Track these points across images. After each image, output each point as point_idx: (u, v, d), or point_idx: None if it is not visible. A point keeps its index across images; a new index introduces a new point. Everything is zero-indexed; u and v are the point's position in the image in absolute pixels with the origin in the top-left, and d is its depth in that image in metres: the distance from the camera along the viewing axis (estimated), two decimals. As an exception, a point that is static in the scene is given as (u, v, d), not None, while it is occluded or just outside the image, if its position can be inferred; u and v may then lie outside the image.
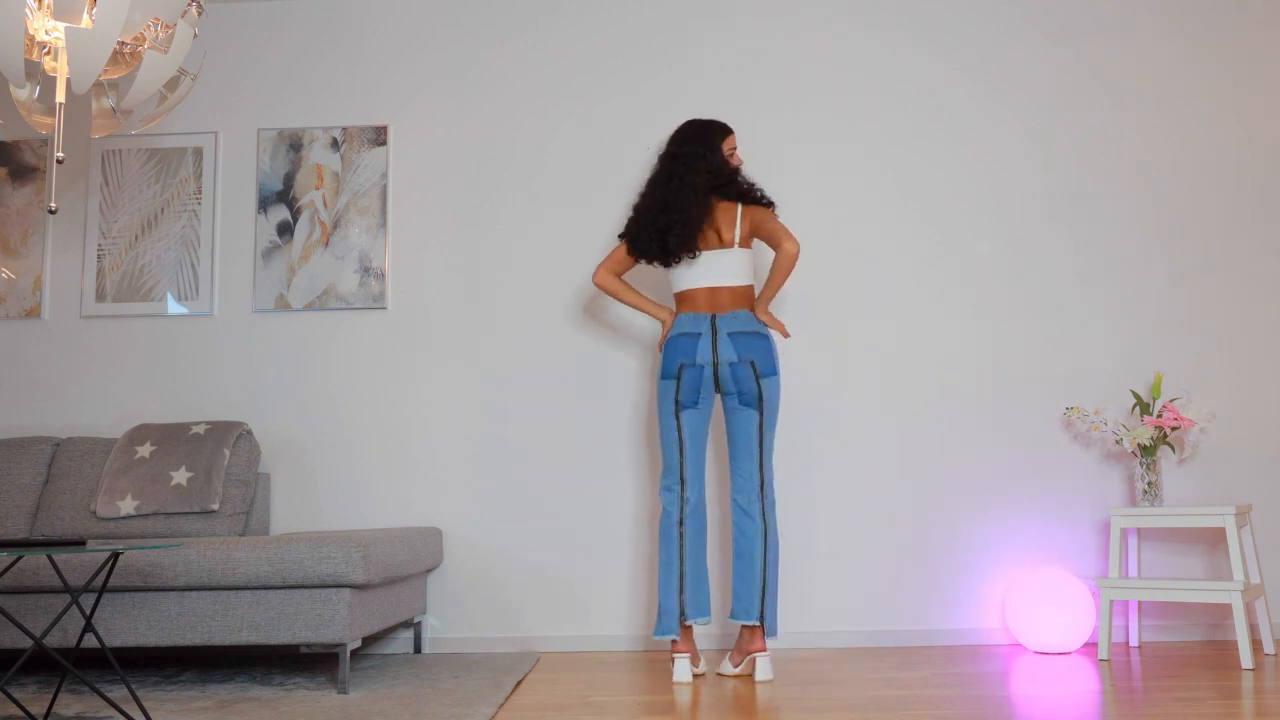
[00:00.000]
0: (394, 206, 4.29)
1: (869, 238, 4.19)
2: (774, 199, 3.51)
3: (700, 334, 3.34)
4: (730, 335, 3.34)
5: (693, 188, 3.36)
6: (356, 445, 4.19)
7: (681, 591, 3.31)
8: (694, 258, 3.38)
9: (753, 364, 3.32)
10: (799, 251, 3.32)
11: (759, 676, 3.29)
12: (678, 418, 3.39)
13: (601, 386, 4.16)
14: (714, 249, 3.39)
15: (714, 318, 3.35)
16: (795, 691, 3.09)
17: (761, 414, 3.36)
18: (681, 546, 3.35)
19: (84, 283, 4.29)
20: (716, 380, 3.36)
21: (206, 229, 4.30)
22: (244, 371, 4.24)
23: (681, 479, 3.40)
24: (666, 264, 3.41)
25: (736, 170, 3.47)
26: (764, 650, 3.30)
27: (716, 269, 3.38)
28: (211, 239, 4.30)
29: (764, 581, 3.29)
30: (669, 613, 3.30)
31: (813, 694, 3.05)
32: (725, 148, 3.47)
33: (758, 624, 3.29)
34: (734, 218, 3.39)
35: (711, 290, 3.38)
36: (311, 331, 4.25)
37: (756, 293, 3.57)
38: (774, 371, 3.36)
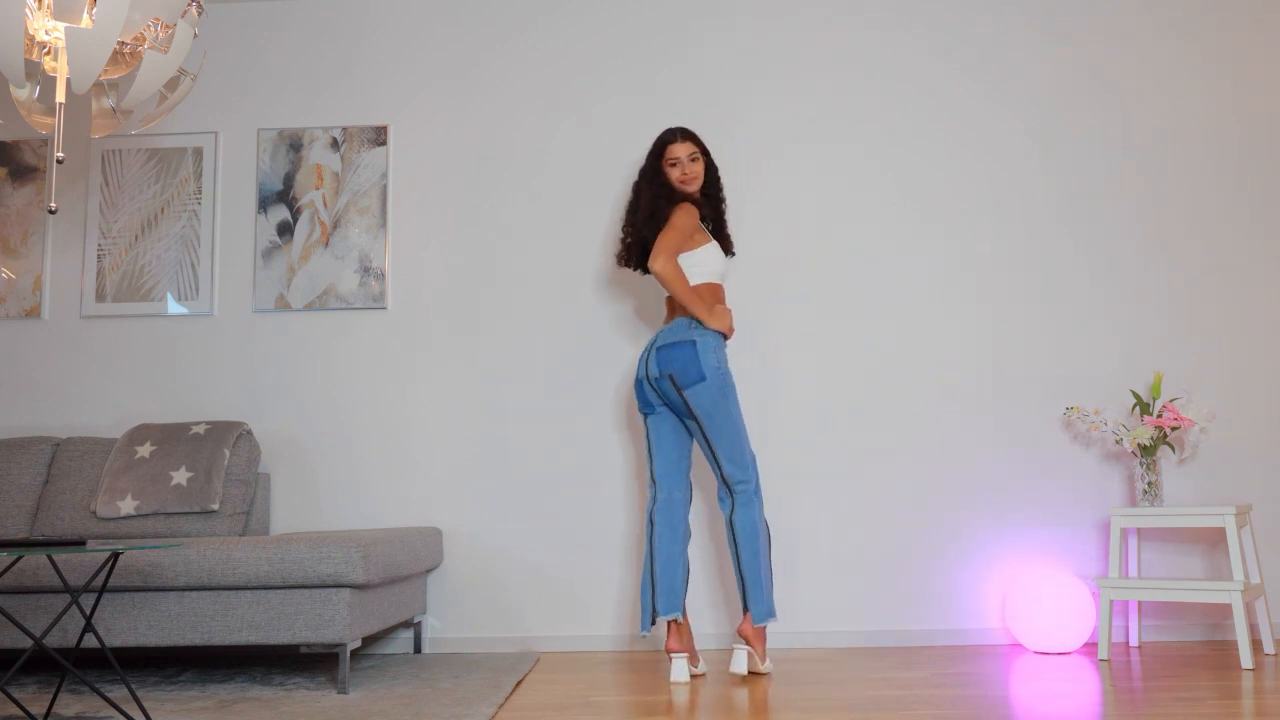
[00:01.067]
0: (394, 206, 4.29)
1: (869, 238, 4.19)
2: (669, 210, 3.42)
3: (646, 349, 3.45)
4: (657, 350, 3.39)
5: (633, 209, 3.54)
6: (356, 445, 4.19)
7: (653, 588, 3.34)
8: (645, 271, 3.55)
9: (672, 378, 3.33)
10: (659, 269, 3.29)
11: (730, 667, 3.32)
12: (645, 423, 3.51)
13: (602, 387, 4.16)
14: None
15: (659, 331, 3.44)
16: (795, 691, 3.09)
17: (698, 421, 3.35)
18: (651, 543, 3.38)
19: (84, 283, 4.29)
20: (657, 392, 3.40)
21: (206, 229, 4.30)
22: (244, 371, 4.24)
23: (653, 479, 3.47)
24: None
25: (654, 189, 3.46)
26: (744, 643, 3.30)
27: None
28: (211, 239, 4.30)
29: (740, 571, 3.33)
30: (643, 608, 3.36)
31: (813, 694, 3.05)
32: (667, 160, 3.49)
33: (744, 611, 3.34)
34: None
35: (670, 298, 3.52)
36: (311, 331, 4.25)
37: (722, 290, 3.53)
38: (699, 378, 3.30)
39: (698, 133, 3.66)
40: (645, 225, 3.46)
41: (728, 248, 3.64)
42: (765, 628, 3.38)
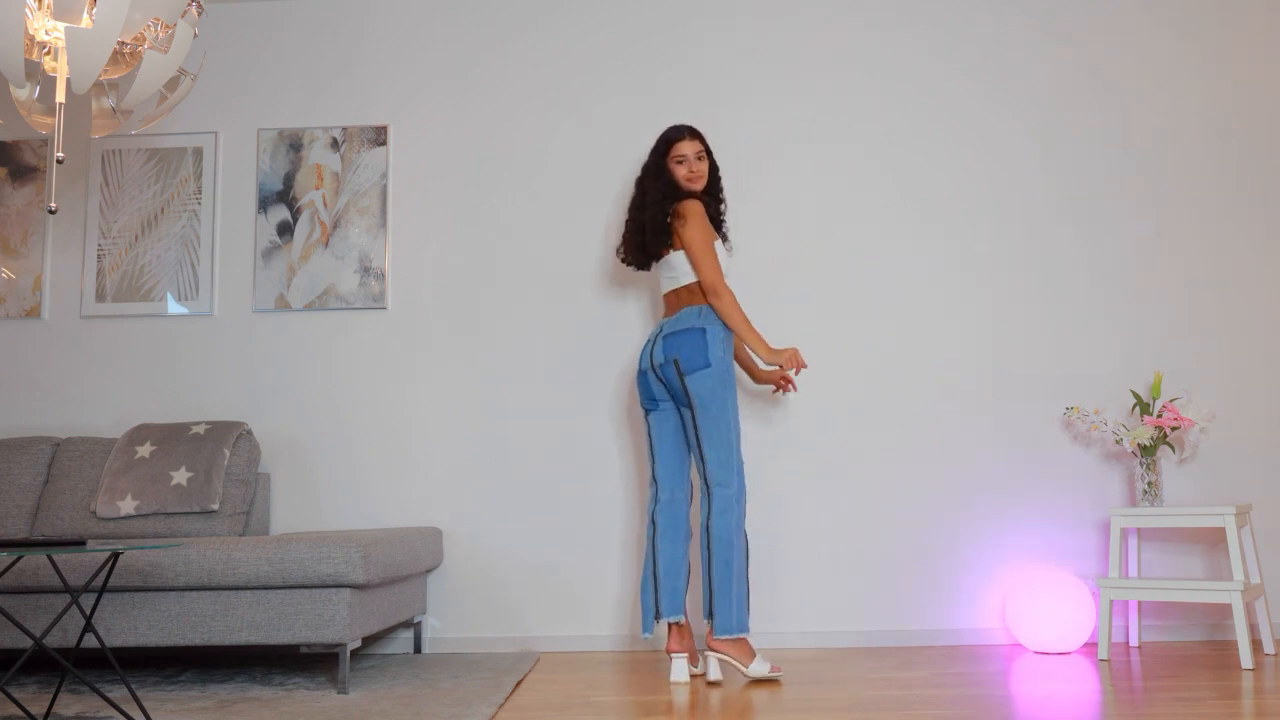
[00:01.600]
0: (394, 206, 4.29)
1: (869, 238, 4.19)
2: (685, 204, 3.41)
3: (649, 340, 3.44)
4: (664, 337, 3.37)
5: (637, 205, 3.51)
6: (356, 445, 4.19)
7: (656, 589, 3.31)
8: (654, 263, 3.51)
9: (676, 362, 3.31)
10: (723, 308, 3.29)
11: (709, 675, 3.28)
12: (647, 420, 3.48)
13: (602, 386, 4.16)
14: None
15: (664, 322, 3.42)
16: (795, 691, 3.09)
17: (693, 410, 3.31)
18: (654, 544, 3.36)
19: (84, 283, 4.29)
20: (661, 380, 3.38)
21: (206, 229, 4.30)
22: (244, 371, 4.24)
23: (654, 479, 3.44)
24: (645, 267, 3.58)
25: (660, 187, 3.44)
26: (713, 649, 3.26)
27: (665, 272, 3.49)
28: (211, 239, 4.30)
29: (709, 578, 3.25)
30: (645, 610, 3.33)
31: (813, 694, 3.05)
32: (673, 157, 3.46)
33: (706, 620, 3.28)
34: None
35: (672, 293, 3.47)
36: (311, 331, 4.26)
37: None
38: (704, 364, 3.27)
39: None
40: (650, 223, 3.43)
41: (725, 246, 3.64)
42: (745, 636, 3.28)
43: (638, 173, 3.59)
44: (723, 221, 3.65)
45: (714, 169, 3.58)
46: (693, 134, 3.50)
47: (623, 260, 3.57)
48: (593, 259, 4.23)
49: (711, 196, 3.58)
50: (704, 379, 3.28)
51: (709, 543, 3.27)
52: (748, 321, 3.32)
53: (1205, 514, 3.52)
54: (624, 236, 3.55)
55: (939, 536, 4.03)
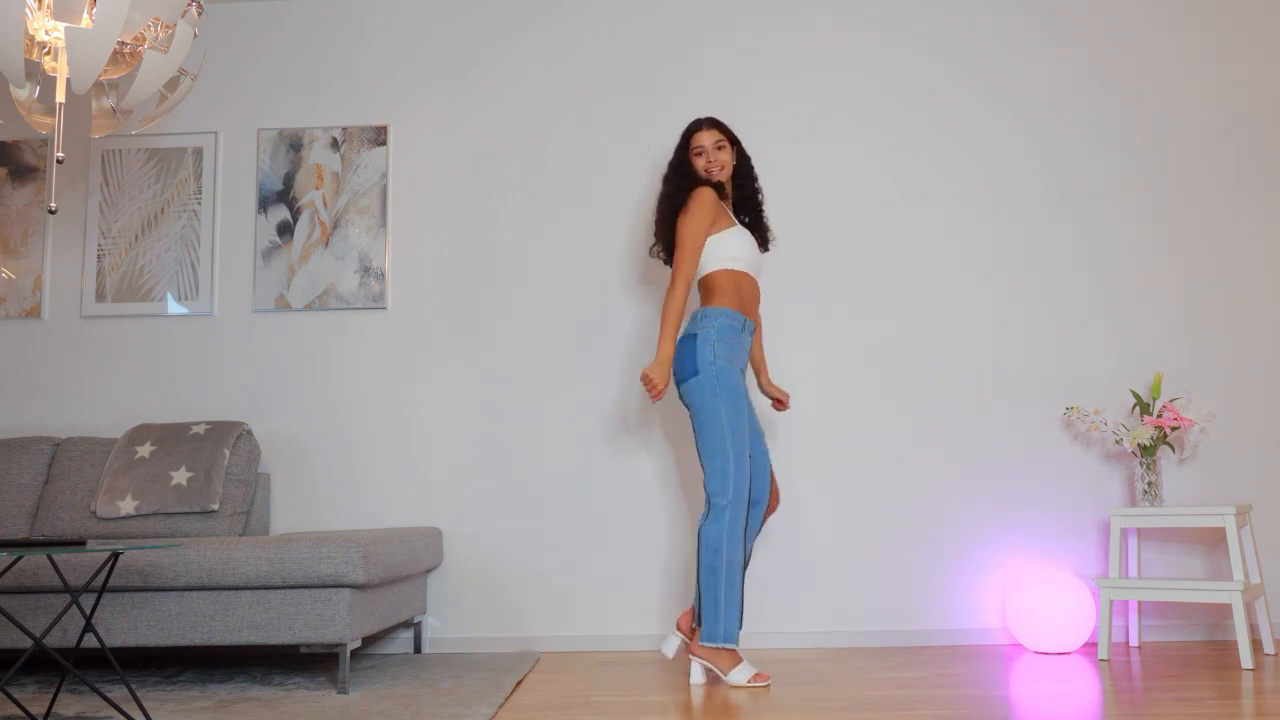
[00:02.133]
0: (394, 206, 4.29)
1: (869, 238, 4.19)
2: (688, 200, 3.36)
3: None
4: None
5: (659, 199, 3.48)
6: (356, 445, 4.19)
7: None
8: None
9: (676, 371, 3.28)
10: (666, 302, 3.24)
11: (691, 678, 3.28)
12: None
13: (603, 386, 4.16)
14: None
15: None
16: (795, 691, 3.09)
17: (691, 420, 3.28)
18: None
19: (84, 283, 4.29)
20: None
21: (206, 229, 4.30)
22: (244, 371, 4.24)
23: None
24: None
25: (678, 180, 3.40)
26: (697, 654, 3.24)
27: None
28: (211, 239, 4.30)
29: (698, 586, 3.23)
30: None
31: (813, 694, 3.05)
32: (693, 149, 3.42)
33: (694, 625, 3.28)
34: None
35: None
36: (311, 331, 4.26)
37: (712, 286, 3.36)
38: (693, 373, 3.21)
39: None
40: (665, 219, 3.40)
41: (764, 241, 3.53)
42: (732, 649, 3.22)
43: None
44: (762, 212, 3.55)
45: (743, 157, 3.50)
46: (710, 124, 3.43)
47: (662, 260, 3.51)
48: (593, 259, 4.23)
49: (741, 184, 3.50)
50: (693, 387, 3.22)
51: (698, 549, 3.23)
52: (673, 326, 3.23)
53: (1205, 514, 3.52)
54: (654, 233, 3.52)
55: (939, 536, 4.02)
